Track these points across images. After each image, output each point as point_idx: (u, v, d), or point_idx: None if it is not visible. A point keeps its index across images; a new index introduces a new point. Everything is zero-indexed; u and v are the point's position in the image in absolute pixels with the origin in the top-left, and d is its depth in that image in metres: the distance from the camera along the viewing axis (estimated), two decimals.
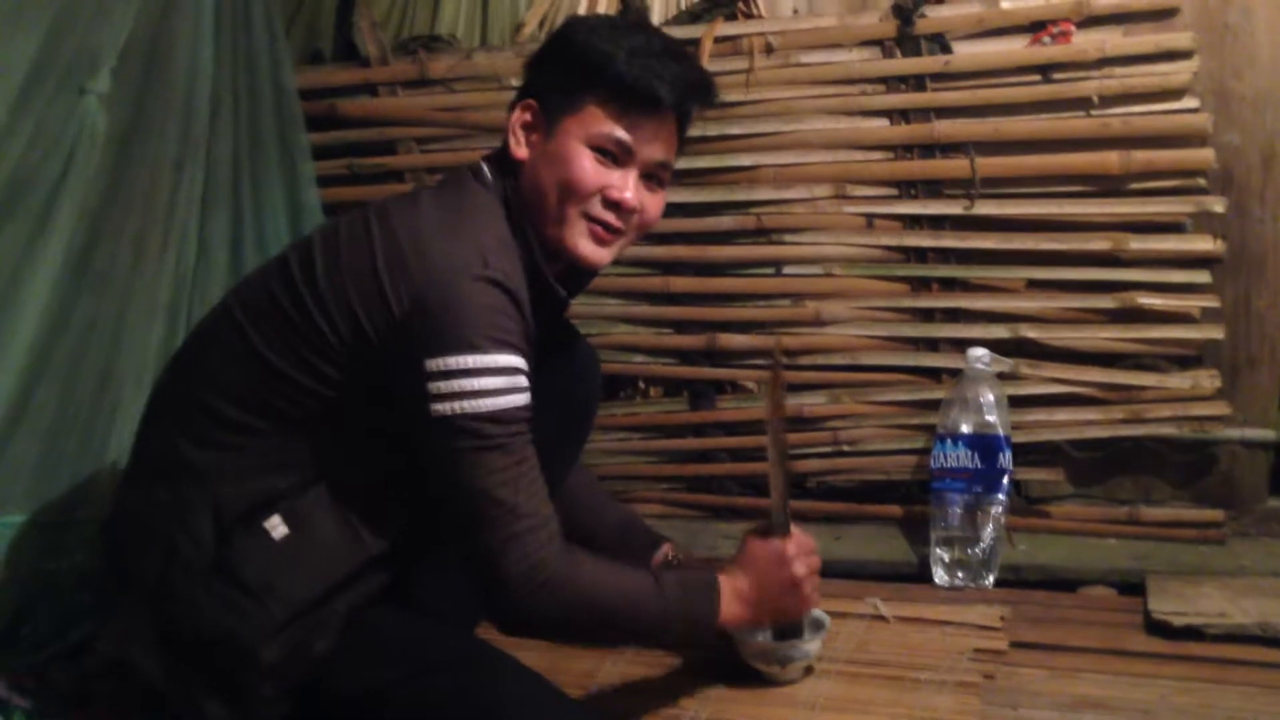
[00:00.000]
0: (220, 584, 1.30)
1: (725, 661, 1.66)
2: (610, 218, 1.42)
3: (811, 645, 1.63)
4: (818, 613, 1.67)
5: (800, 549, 1.53)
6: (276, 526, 1.31)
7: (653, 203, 1.46)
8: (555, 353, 1.52)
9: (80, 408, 1.81)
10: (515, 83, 2.29)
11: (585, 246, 1.43)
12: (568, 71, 1.42)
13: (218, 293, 1.94)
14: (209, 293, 2.01)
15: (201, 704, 1.32)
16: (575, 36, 1.44)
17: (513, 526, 1.26)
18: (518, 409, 1.28)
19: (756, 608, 1.50)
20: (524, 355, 1.31)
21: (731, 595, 1.46)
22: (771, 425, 1.61)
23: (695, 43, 2.20)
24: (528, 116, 1.43)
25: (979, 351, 2.06)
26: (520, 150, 1.43)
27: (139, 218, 1.94)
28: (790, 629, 1.61)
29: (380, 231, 1.33)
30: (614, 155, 1.41)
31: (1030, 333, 2.13)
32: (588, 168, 1.40)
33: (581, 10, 2.33)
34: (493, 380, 1.26)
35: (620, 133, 1.40)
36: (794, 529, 1.56)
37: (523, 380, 1.29)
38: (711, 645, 1.67)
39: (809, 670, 1.65)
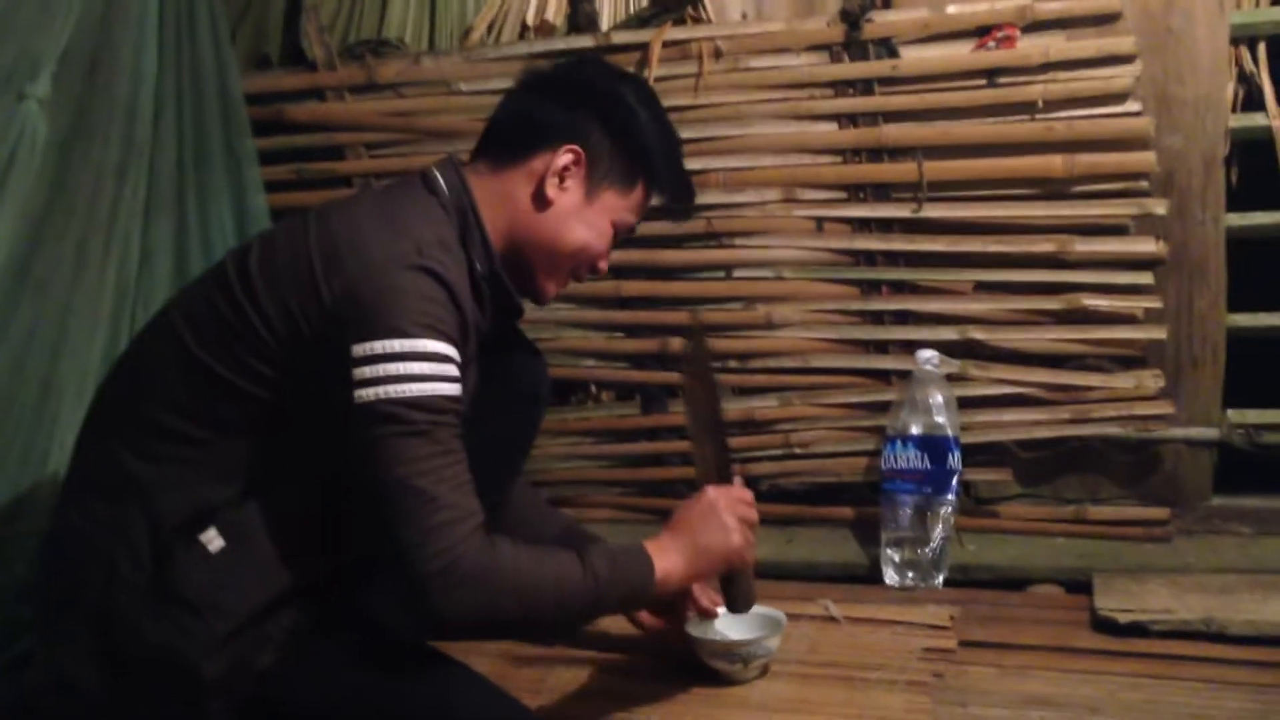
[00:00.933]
0: (160, 601, 1.27)
1: (679, 664, 1.67)
2: (583, 276, 1.52)
3: (771, 642, 1.64)
4: (775, 611, 1.68)
5: (725, 493, 1.50)
6: (213, 540, 1.28)
7: None
8: (500, 358, 1.51)
9: (21, 418, 1.78)
10: (464, 87, 2.29)
11: (552, 291, 1.51)
12: (627, 148, 1.46)
13: (162, 301, 1.90)
14: (153, 301, 1.98)
15: None
16: (640, 117, 1.47)
17: (431, 519, 1.21)
18: (445, 398, 1.25)
19: (689, 552, 1.44)
20: (456, 346, 1.28)
21: (660, 549, 1.41)
22: (689, 392, 1.61)
23: (644, 47, 2.20)
24: (571, 165, 1.44)
25: (928, 353, 2.08)
26: (553, 193, 1.44)
27: (81, 224, 1.91)
28: (739, 588, 1.58)
29: (317, 228, 1.33)
30: (619, 235, 1.50)
31: (978, 334, 2.15)
32: (607, 244, 1.49)
33: (530, 15, 2.32)
34: (419, 365, 1.23)
35: (636, 220, 1.52)
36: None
37: (452, 370, 1.26)
38: (668, 647, 1.69)
39: (765, 669, 1.66)
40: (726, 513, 1.48)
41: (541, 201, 1.44)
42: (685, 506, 1.50)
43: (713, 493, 1.50)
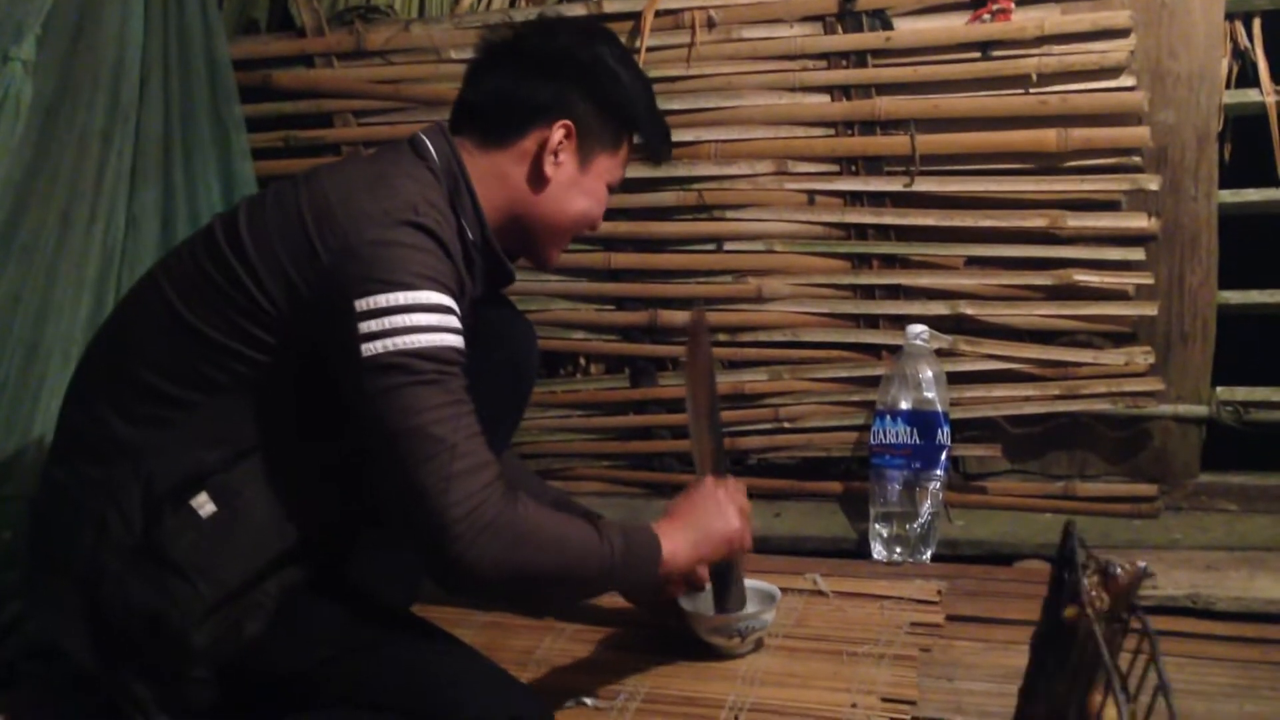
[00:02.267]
0: (149, 564, 1.27)
1: (667, 637, 1.67)
2: (581, 234, 1.55)
3: (767, 615, 1.64)
4: (768, 585, 1.68)
5: (724, 483, 1.55)
6: (204, 505, 1.28)
7: None
8: (490, 328, 1.51)
9: (5, 383, 1.77)
10: (454, 54, 2.27)
11: (557, 257, 1.55)
12: (613, 111, 1.48)
13: (148, 266, 1.90)
14: (139, 267, 1.97)
15: (131, 686, 1.29)
16: (622, 77, 1.48)
17: (452, 465, 1.21)
18: (452, 348, 1.25)
19: (693, 535, 1.47)
20: (455, 299, 1.29)
21: (665, 532, 1.43)
22: (691, 384, 1.61)
23: (636, 16, 2.18)
24: (564, 140, 1.45)
25: (918, 328, 2.08)
26: (550, 170, 1.45)
27: (66, 189, 1.89)
28: (732, 588, 1.61)
29: (307, 190, 1.32)
30: (611, 191, 1.54)
31: (969, 309, 2.15)
32: (602, 206, 1.52)
33: None
34: (425, 317, 1.24)
35: (624, 173, 1.55)
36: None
37: (455, 321, 1.27)
38: (660, 621, 1.69)
39: (760, 643, 1.66)
40: (726, 500, 1.52)
41: (539, 180, 1.45)
42: (686, 494, 1.54)
43: (712, 482, 1.54)
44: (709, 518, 1.50)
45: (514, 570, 1.25)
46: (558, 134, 1.44)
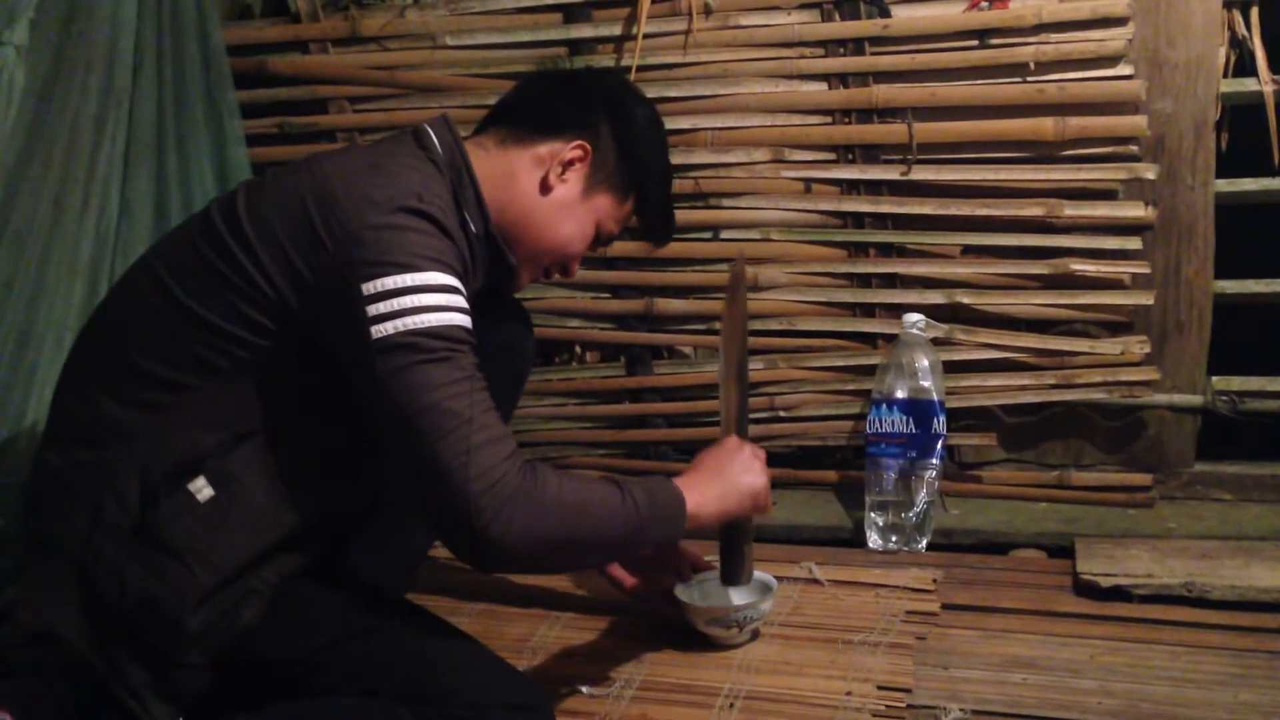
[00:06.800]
0: (145, 548, 1.27)
1: (663, 625, 1.67)
2: (555, 275, 1.56)
3: (765, 605, 1.64)
4: (765, 575, 1.68)
5: (747, 443, 1.56)
6: (202, 488, 1.27)
7: None
8: (484, 317, 1.50)
9: None
10: (450, 41, 2.26)
11: (525, 280, 1.55)
12: (629, 160, 1.51)
13: (141, 252, 1.89)
14: (132, 252, 1.96)
15: (125, 672, 1.28)
16: (646, 136, 1.53)
17: (471, 439, 1.21)
18: (459, 327, 1.26)
19: (718, 487, 1.47)
20: (461, 280, 1.30)
21: (689, 485, 1.43)
22: (725, 334, 1.63)
23: (633, 3, 2.17)
24: (577, 161, 1.47)
25: (914, 317, 2.07)
26: (554, 181, 1.46)
27: (58, 175, 1.88)
28: (741, 560, 1.61)
29: (308, 175, 1.32)
30: (599, 240, 1.54)
31: (965, 298, 2.14)
32: (586, 244, 1.53)
33: None
34: (432, 297, 1.24)
35: (617, 232, 1.57)
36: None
37: (461, 301, 1.28)
38: (655, 609, 1.69)
39: (756, 633, 1.66)
40: (752, 456, 1.53)
41: (543, 189, 1.46)
42: (709, 449, 1.54)
43: (737, 440, 1.55)
44: (734, 471, 1.50)
45: (542, 539, 1.25)
46: (574, 151, 1.46)
